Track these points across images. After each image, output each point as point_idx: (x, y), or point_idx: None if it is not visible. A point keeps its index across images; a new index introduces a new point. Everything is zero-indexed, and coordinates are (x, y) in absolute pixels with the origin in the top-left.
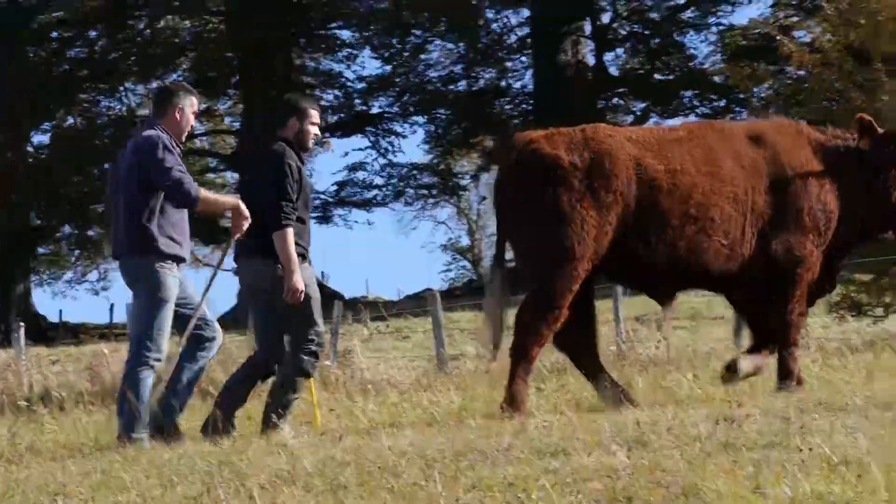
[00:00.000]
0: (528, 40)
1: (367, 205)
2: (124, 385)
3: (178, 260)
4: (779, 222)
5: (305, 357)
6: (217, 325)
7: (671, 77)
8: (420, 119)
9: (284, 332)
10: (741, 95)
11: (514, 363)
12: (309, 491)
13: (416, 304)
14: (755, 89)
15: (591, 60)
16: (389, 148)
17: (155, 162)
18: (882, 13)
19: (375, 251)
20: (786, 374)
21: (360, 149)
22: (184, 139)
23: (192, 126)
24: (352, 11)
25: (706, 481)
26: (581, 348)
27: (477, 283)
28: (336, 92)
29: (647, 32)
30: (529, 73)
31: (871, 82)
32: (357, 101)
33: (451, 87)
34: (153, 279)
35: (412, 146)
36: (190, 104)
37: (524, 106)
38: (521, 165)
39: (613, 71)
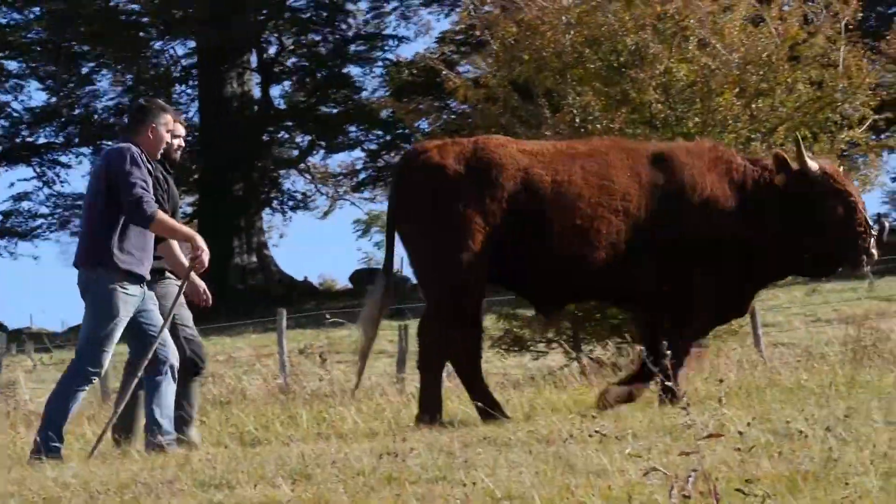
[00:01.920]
0: (195, 71)
1: (32, 235)
2: (55, 398)
3: (135, 277)
4: (674, 244)
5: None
6: (172, 348)
7: (336, 111)
8: (86, 150)
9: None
10: (406, 130)
11: (423, 375)
12: None
13: None
14: (419, 124)
15: (257, 93)
16: (55, 178)
17: (121, 174)
18: (546, 49)
19: (40, 282)
20: (671, 392)
21: (26, 179)
22: (158, 156)
23: (166, 143)
24: (17, 41)
25: None
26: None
27: None
28: (2, 122)
29: (313, 65)
30: (196, 104)
31: (535, 117)
32: (23, 131)
33: (119, 118)
34: (101, 294)
35: (78, 177)
36: (164, 122)
37: (189, 137)
38: (409, 174)
39: (279, 104)
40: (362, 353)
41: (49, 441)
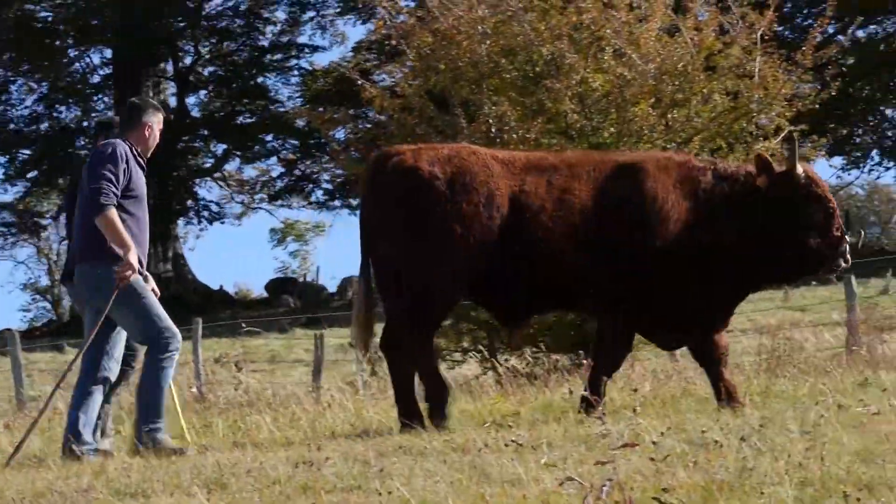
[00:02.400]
0: (111, 81)
1: None
2: (147, 381)
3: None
4: (626, 256)
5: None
6: (116, 366)
7: (252, 120)
8: (1, 159)
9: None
10: (321, 140)
11: (396, 384)
12: None
13: None
14: (335, 133)
15: (172, 102)
16: None
17: (97, 163)
18: (462, 59)
19: None
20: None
21: None
22: (149, 155)
23: (157, 143)
24: None
25: None
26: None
27: (56, 323)
28: None
29: (229, 75)
30: (112, 113)
31: (452, 127)
32: None
33: (34, 126)
34: (114, 283)
35: None
36: (158, 121)
37: None
38: (382, 177)
39: (195, 113)
40: (363, 347)
41: (152, 426)
